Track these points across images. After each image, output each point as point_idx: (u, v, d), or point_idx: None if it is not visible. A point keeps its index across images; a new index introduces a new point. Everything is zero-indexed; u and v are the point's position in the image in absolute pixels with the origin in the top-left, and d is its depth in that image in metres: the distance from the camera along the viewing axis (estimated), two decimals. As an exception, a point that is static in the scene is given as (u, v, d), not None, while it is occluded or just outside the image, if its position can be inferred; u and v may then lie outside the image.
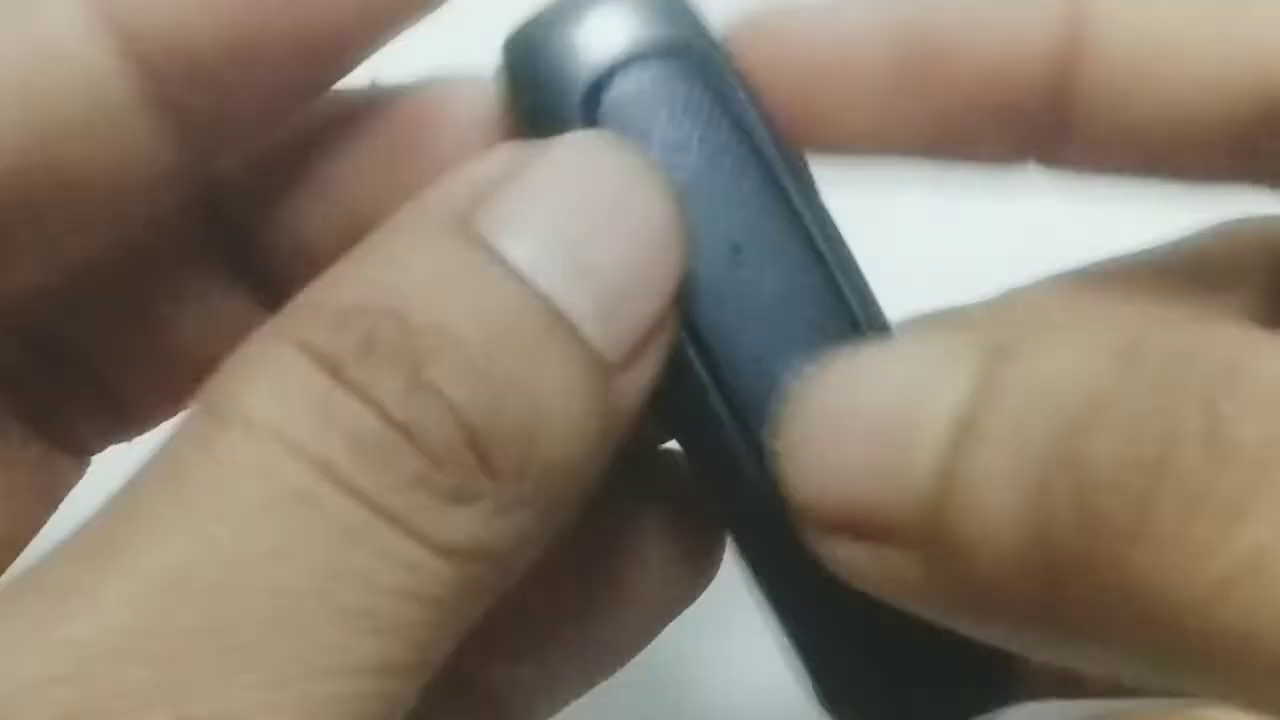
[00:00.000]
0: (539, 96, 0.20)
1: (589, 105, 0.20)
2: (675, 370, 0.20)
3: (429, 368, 0.17)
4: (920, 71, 0.21)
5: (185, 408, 0.22)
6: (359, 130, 0.21)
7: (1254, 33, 0.20)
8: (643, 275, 0.18)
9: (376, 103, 0.21)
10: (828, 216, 0.21)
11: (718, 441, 0.20)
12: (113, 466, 0.22)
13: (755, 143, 0.20)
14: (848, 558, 0.18)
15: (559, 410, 0.17)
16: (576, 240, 0.18)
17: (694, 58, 0.20)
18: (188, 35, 0.18)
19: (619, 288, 0.18)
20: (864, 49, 0.21)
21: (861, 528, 0.18)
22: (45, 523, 0.22)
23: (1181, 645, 0.15)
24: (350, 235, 0.20)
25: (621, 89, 0.20)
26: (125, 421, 0.23)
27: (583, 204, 0.18)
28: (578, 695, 0.23)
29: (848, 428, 0.18)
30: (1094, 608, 0.15)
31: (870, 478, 0.18)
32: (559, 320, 0.17)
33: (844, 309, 0.20)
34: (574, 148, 0.19)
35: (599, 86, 0.20)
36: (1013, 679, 0.21)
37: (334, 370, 0.17)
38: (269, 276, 0.22)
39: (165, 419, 0.23)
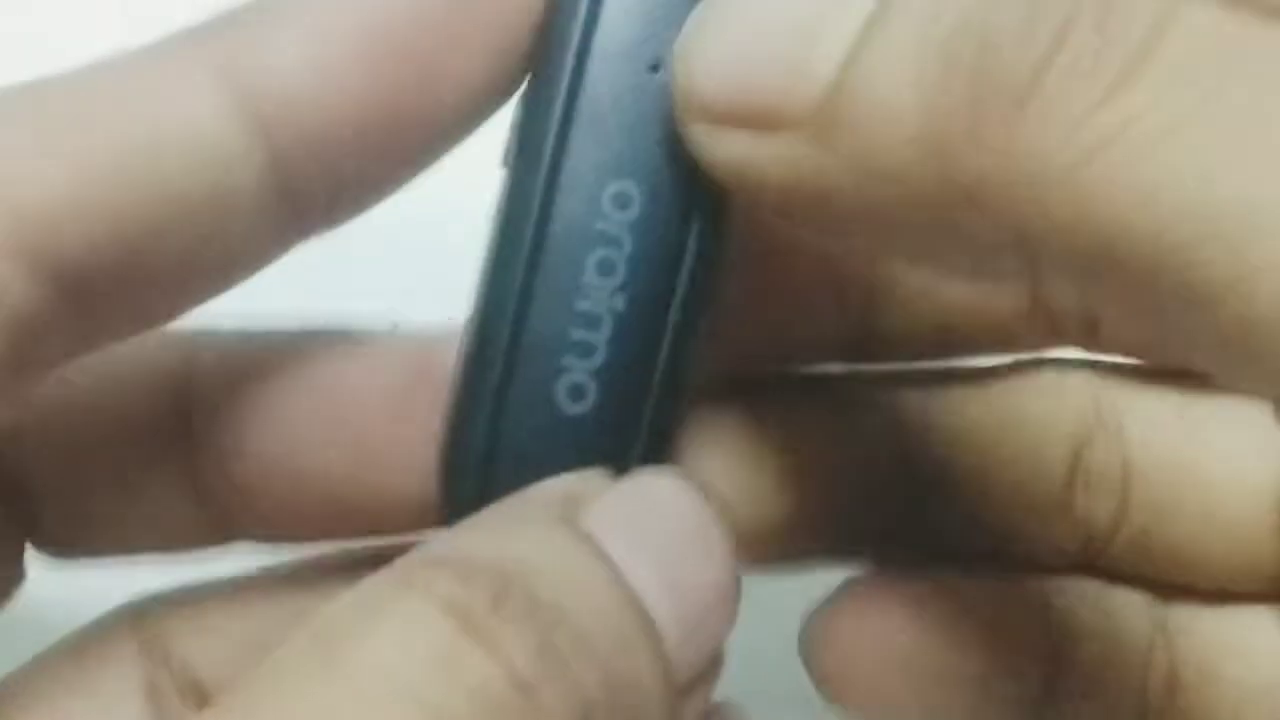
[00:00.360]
0: None
1: None
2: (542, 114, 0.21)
3: (557, 636, 0.17)
4: None
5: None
6: (364, 371, 0.22)
7: None
8: (712, 612, 0.19)
9: (379, 349, 0.22)
10: None
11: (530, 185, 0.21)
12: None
13: None
14: (733, 149, 0.19)
15: (650, 716, 0.18)
16: (669, 561, 0.19)
17: None
18: (320, 121, 0.19)
19: (695, 616, 0.19)
20: None
21: (755, 116, 0.18)
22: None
23: (1049, 209, 0.16)
24: (319, 472, 0.21)
25: None
26: (43, 544, 0.23)
27: (674, 531, 0.19)
28: None
29: (754, 23, 0.18)
30: (977, 174, 0.16)
31: (773, 66, 0.18)
32: (652, 630, 0.18)
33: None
34: (664, 477, 0.20)
35: None
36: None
37: (463, 618, 0.17)
38: (218, 484, 0.22)
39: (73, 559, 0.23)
